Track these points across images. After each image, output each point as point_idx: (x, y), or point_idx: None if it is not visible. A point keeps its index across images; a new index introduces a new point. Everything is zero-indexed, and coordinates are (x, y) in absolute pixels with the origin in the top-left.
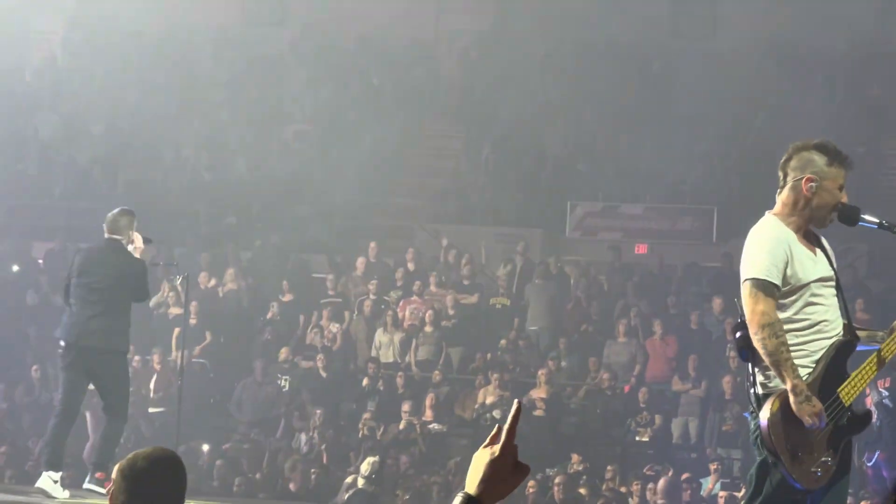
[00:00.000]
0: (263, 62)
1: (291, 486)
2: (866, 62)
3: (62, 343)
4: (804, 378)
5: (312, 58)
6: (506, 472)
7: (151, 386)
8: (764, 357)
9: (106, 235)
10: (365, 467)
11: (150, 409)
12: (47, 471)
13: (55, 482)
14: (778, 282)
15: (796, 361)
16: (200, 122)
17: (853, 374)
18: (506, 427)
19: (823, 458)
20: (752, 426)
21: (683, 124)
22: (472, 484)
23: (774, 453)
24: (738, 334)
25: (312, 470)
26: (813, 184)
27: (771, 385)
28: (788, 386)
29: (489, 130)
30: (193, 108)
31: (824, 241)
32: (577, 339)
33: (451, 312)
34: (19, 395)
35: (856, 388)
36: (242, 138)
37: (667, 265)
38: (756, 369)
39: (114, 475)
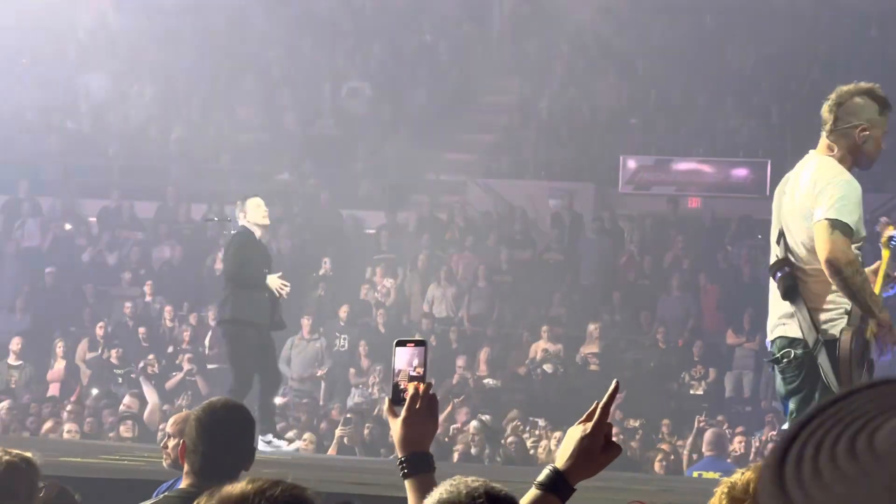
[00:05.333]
0: (316, 20)
1: (346, 441)
2: None
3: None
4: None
5: (365, 15)
6: (595, 450)
7: (206, 342)
8: (849, 295)
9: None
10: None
11: (209, 366)
12: (263, 435)
13: (268, 442)
14: (854, 227)
15: (840, 312)
16: (253, 80)
17: None
18: (600, 405)
19: None
20: (788, 377)
21: (736, 77)
22: (561, 458)
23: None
24: (779, 274)
25: (367, 425)
26: (866, 133)
27: (832, 332)
28: (882, 318)
29: (541, 85)
30: (246, 66)
31: None
32: (631, 293)
33: (503, 267)
34: (81, 352)
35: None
36: (295, 96)
37: (720, 218)
38: (811, 313)
39: (187, 426)
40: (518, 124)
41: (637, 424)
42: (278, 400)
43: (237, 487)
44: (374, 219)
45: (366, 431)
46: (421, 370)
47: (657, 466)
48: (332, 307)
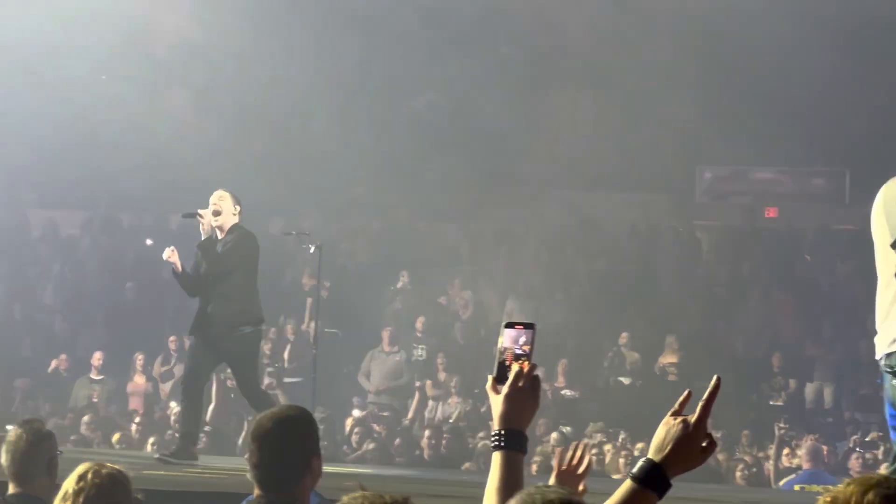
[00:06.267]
0: (392, 32)
1: (426, 454)
2: None
3: None
4: None
5: (440, 27)
6: (697, 447)
7: (286, 356)
8: None
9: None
10: (555, 435)
11: (286, 379)
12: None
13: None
14: None
15: None
16: (330, 93)
17: None
18: (702, 401)
19: None
20: None
21: (813, 85)
22: (658, 451)
23: None
24: None
25: (444, 436)
26: None
27: None
28: None
29: (616, 96)
30: (322, 79)
31: None
32: (708, 303)
33: (581, 279)
34: (157, 366)
35: None
36: (371, 109)
37: (798, 228)
38: None
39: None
40: (593, 136)
41: (718, 436)
42: (357, 412)
43: None
44: (451, 231)
45: (443, 443)
46: (527, 348)
47: (738, 478)
48: (411, 320)
